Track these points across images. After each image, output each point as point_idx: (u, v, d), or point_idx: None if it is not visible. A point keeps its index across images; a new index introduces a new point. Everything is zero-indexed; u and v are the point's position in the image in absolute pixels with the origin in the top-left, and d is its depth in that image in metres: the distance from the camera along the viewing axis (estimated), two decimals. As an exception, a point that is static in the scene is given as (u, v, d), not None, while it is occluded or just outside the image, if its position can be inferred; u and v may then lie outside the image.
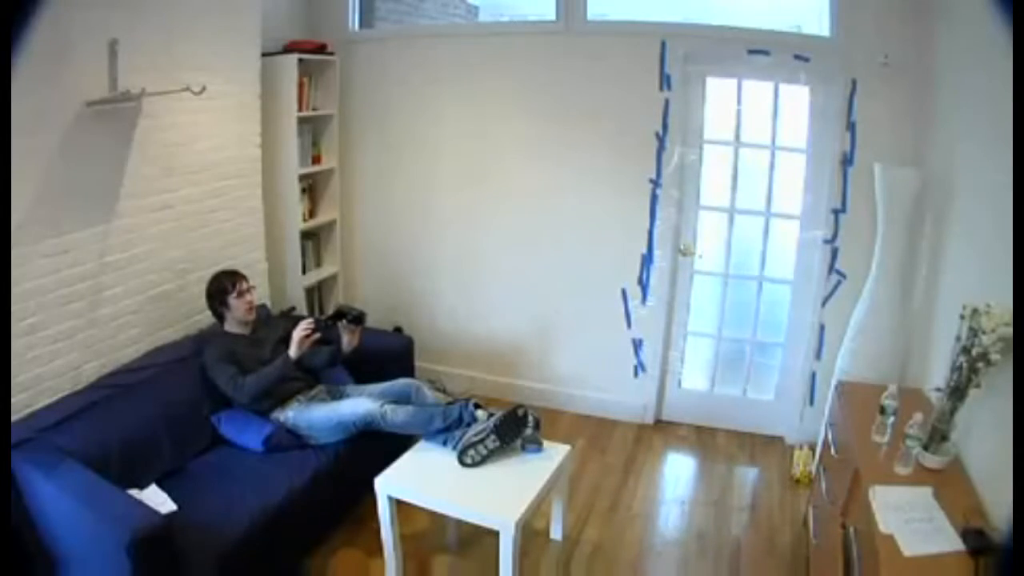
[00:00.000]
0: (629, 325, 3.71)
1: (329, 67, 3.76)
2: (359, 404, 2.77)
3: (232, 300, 2.89)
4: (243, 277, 2.96)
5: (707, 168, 3.57)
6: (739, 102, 3.45)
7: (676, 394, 3.85)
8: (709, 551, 2.84)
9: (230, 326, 2.94)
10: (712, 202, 3.60)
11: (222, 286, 2.91)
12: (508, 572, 2.36)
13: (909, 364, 2.85)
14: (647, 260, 3.59)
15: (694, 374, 3.92)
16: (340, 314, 2.93)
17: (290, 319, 3.29)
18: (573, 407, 3.91)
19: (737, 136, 3.50)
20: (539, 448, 2.69)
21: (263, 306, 3.14)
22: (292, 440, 2.74)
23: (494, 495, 2.46)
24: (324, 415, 2.76)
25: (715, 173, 3.58)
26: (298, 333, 2.78)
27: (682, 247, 3.61)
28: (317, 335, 2.82)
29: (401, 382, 2.98)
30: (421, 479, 2.54)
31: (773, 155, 3.47)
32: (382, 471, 2.55)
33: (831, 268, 3.33)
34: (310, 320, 2.85)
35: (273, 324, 3.13)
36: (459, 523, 2.68)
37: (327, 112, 3.82)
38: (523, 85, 3.59)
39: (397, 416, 2.70)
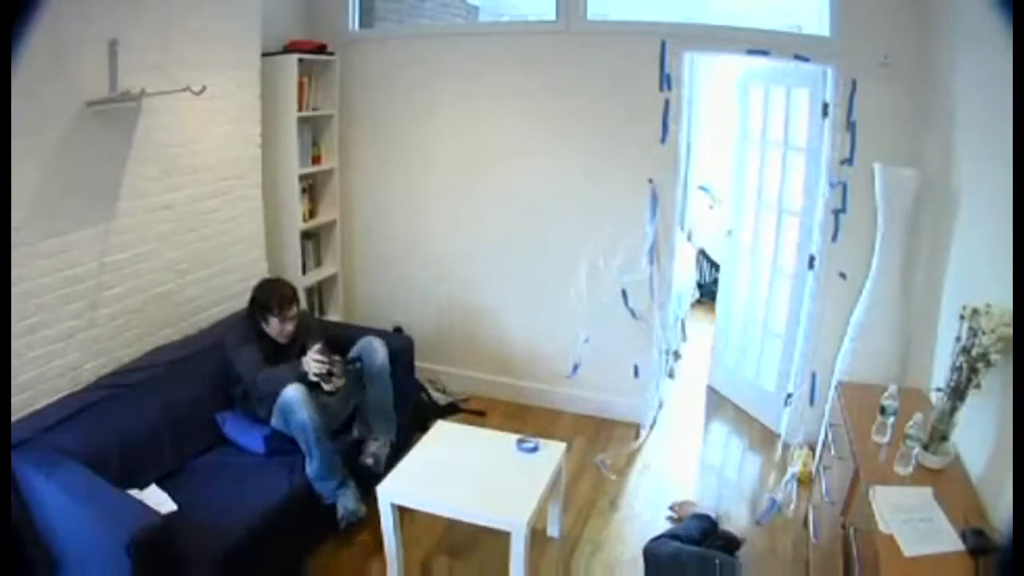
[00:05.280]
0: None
1: (329, 67, 3.76)
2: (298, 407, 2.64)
3: (272, 319, 2.81)
4: (294, 303, 2.86)
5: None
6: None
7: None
8: (709, 551, 2.84)
9: (264, 329, 2.86)
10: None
11: (269, 304, 2.81)
12: (520, 572, 2.37)
13: (909, 364, 2.85)
14: (647, 259, 3.58)
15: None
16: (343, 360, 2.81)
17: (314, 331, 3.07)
18: (573, 407, 3.90)
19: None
20: (535, 447, 2.70)
21: (304, 312, 3.06)
22: (291, 443, 2.72)
23: (500, 496, 2.47)
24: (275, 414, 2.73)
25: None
26: (315, 365, 2.67)
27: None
28: (329, 371, 2.70)
29: (358, 347, 2.97)
30: (423, 484, 2.54)
31: (784, 154, 3.48)
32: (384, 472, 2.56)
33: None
34: (326, 362, 2.69)
35: (305, 328, 2.97)
36: (459, 523, 2.68)
37: (327, 112, 3.82)
38: (523, 85, 3.59)
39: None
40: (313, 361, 2.67)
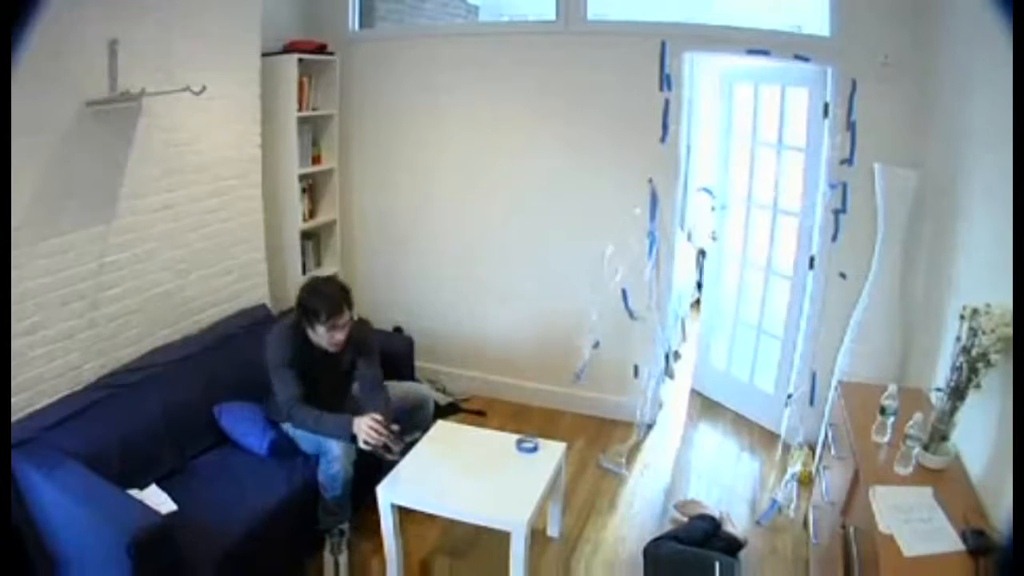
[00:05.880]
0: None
1: (329, 67, 3.76)
2: (332, 453, 2.57)
3: (320, 328, 2.56)
4: (344, 308, 2.57)
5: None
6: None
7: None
8: (709, 551, 2.84)
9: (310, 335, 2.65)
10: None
11: (317, 310, 2.53)
12: (520, 572, 2.37)
13: (909, 364, 2.85)
14: (647, 259, 3.58)
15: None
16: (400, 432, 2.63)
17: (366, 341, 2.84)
18: (573, 407, 3.90)
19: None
20: (535, 447, 2.70)
21: (363, 320, 2.92)
22: (294, 448, 2.72)
23: (500, 496, 2.47)
24: (311, 438, 2.66)
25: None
26: (370, 435, 2.48)
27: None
28: (385, 444, 2.52)
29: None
30: (424, 485, 2.54)
31: (779, 154, 3.47)
32: (383, 472, 2.55)
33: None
34: (384, 435, 2.50)
35: (360, 341, 2.75)
36: (459, 523, 2.68)
37: (327, 112, 3.83)
38: (523, 85, 3.59)
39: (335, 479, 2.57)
40: (369, 429, 2.48)
